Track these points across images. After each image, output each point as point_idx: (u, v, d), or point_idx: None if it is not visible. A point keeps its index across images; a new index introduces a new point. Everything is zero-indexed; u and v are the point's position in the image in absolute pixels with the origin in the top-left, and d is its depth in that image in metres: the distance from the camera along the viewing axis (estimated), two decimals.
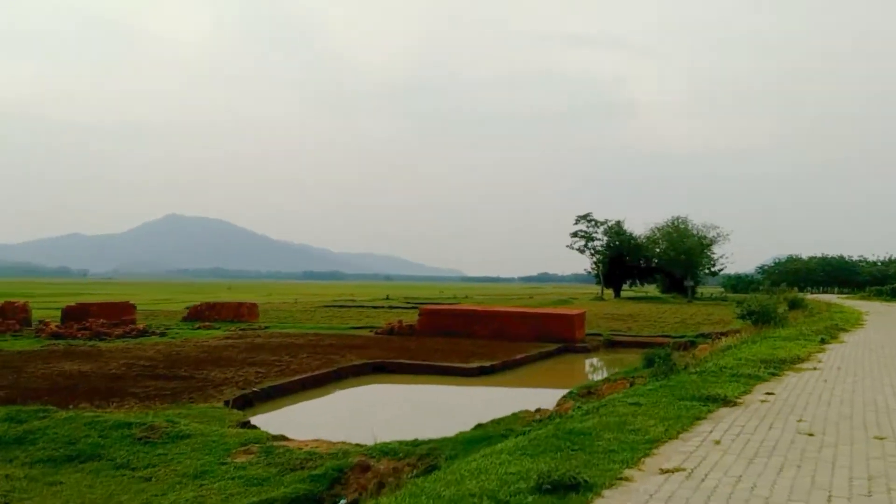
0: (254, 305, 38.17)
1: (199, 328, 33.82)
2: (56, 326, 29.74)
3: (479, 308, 32.17)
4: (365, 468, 9.95)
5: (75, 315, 33.76)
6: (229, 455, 10.74)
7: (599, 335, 32.61)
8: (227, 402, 15.63)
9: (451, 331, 31.04)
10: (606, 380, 18.15)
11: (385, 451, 10.53)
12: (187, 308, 39.80)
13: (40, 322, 31.76)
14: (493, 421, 13.16)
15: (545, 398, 16.45)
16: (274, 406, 16.84)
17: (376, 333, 32.02)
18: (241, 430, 12.15)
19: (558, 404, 14.76)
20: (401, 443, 11.03)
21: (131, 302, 36.60)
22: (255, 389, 17.17)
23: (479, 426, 12.96)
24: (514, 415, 13.87)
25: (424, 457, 10.21)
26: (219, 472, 10.05)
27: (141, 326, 31.06)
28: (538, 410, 14.37)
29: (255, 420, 14.85)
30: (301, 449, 11.07)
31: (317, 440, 12.70)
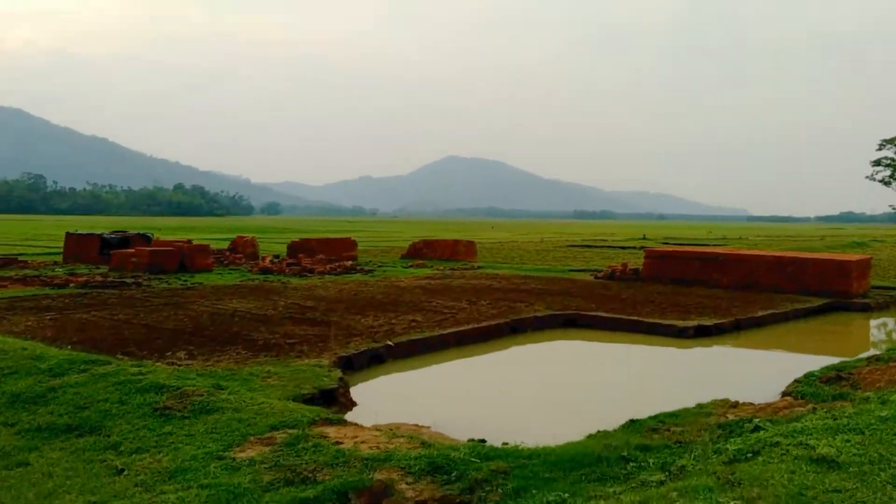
0: (471, 244, 35.62)
1: (409, 266, 32.04)
2: (270, 262, 29.49)
3: (719, 251, 26.39)
4: (377, 496, 6.37)
5: (298, 250, 33.69)
6: (239, 445, 7.76)
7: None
8: (342, 358, 12.87)
9: (682, 278, 25.79)
10: (876, 358, 12.55)
11: (428, 464, 6.87)
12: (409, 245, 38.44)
13: (262, 258, 31.95)
14: (650, 421, 8.82)
15: (771, 383, 11.57)
16: (406, 366, 13.76)
17: (595, 278, 27.77)
18: (290, 406, 9.13)
19: (783, 399, 9.86)
20: (470, 448, 7.31)
21: (352, 238, 35.92)
22: (388, 343, 14.21)
23: (625, 428, 8.71)
24: (690, 410, 9.34)
25: (469, 490, 6.38)
26: (200, 474, 7.09)
27: (349, 264, 29.83)
28: (735, 406, 9.66)
29: (359, 388, 11.89)
30: (340, 445, 7.78)
31: (388, 428, 9.33)
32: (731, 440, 6.38)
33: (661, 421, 9.20)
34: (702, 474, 5.44)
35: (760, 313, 19.62)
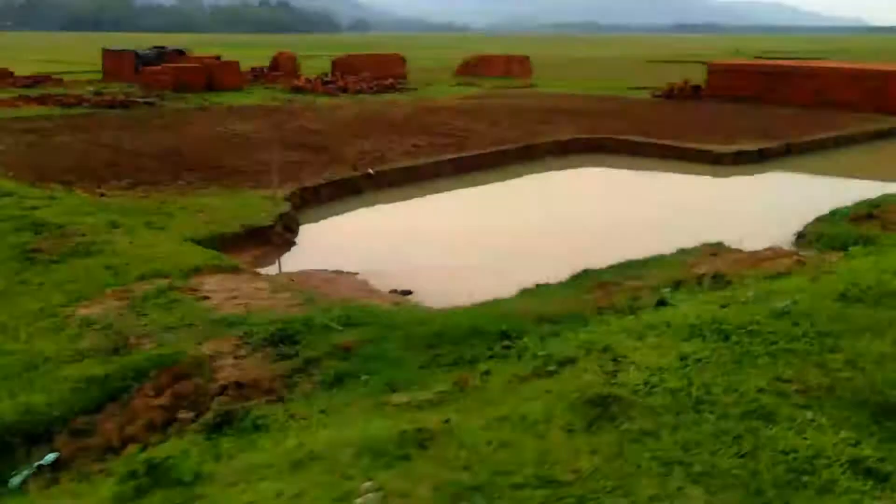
0: (525, 60, 32.59)
1: (458, 85, 29.76)
2: (305, 80, 27.82)
3: (787, 63, 22.88)
4: (180, 376, 5.11)
5: (342, 68, 31.76)
6: (88, 299, 6.62)
7: None
8: (305, 189, 11.50)
9: (747, 95, 22.69)
10: None
11: (277, 331, 5.56)
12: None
13: (299, 76, 30.26)
14: (608, 273, 7.21)
15: (794, 219, 9.70)
16: (381, 198, 12.29)
17: (654, 96, 24.91)
18: (183, 249, 7.88)
19: (768, 249, 7.95)
20: (343, 311, 5.94)
21: (401, 56, 33.45)
22: (368, 172, 12.68)
23: (567, 283, 7.13)
24: (665, 258, 7.64)
25: (301, 369, 5.04)
26: (14, 335, 6.01)
27: (388, 82, 27.81)
28: (715, 255, 7.85)
29: (311, 227, 10.55)
30: (205, 301, 6.52)
31: (288, 277, 8.02)
32: (552, 341, 4.74)
33: (622, 271, 7.56)
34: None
35: (820, 136, 16.90)
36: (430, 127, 17.49)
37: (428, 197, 12.68)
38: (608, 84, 29.37)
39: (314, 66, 36.04)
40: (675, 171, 14.76)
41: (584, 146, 16.35)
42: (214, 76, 25.94)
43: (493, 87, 28.66)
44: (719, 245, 8.31)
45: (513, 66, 32.29)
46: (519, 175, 14.43)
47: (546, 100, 23.75)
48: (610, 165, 15.66)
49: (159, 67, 26.33)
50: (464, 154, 14.33)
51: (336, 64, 32.07)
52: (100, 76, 30.77)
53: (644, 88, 27.34)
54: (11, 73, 27.75)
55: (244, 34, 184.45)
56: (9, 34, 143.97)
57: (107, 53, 31.11)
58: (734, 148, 15.23)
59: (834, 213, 9.50)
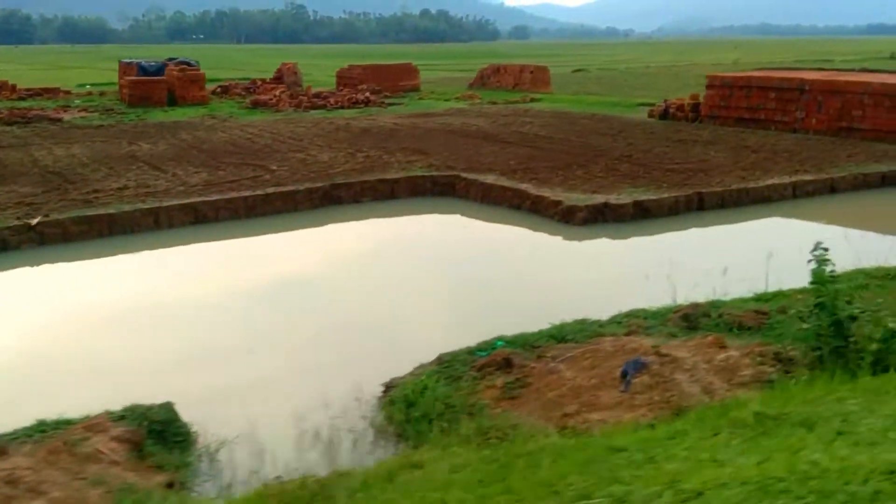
0: (541, 71, 28.06)
1: (455, 98, 26.10)
2: (272, 94, 25.28)
3: (808, 76, 17.16)
4: None
5: (345, 80, 29.04)
6: None
7: None
8: None
9: (753, 117, 17.41)
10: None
11: None
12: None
13: (293, 90, 27.82)
14: None
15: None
16: (40, 258, 9.28)
17: (649, 116, 20.07)
18: None
19: None
20: None
21: (413, 65, 30.12)
22: (29, 222, 9.69)
23: None
24: None
25: None
26: None
27: (365, 96, 24.66)
28: None
29: None
30: None
31: None
32: None
33: None
34: None
35: (770, 181, 11.92)
36: (279, 154, 14.27)
37: (125, 256, 9.54)
38: (625, 99, 24.47)
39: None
40: (520, 226, 10.76)
41: (431, 186, 12.49)
42: (177, 91, 24.05)
43: (486, 101, 24.77)
44: None
45: (524, 78, 28.01)
46: (305, 225, 10.96)
47: (505, 120, 19.67)
48: (442, 212, 11.82)
49: (126, 81, 24.86)
50: (217, 197, 10.98)
51: (340, 75, 29.37)
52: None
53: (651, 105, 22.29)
54: (13, 87, 27.46)
55: (403, 44, 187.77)
56: (197, 46, 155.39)
57: (121, 65, 30.29)
58: (598, 200, 10.77)
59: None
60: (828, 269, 4.55)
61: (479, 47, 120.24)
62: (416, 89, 29.02)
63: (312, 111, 22.33)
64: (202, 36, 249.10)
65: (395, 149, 14.77)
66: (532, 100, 24.87)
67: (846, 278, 7.20)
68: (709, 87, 18.50)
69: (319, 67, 46.09)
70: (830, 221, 11.00)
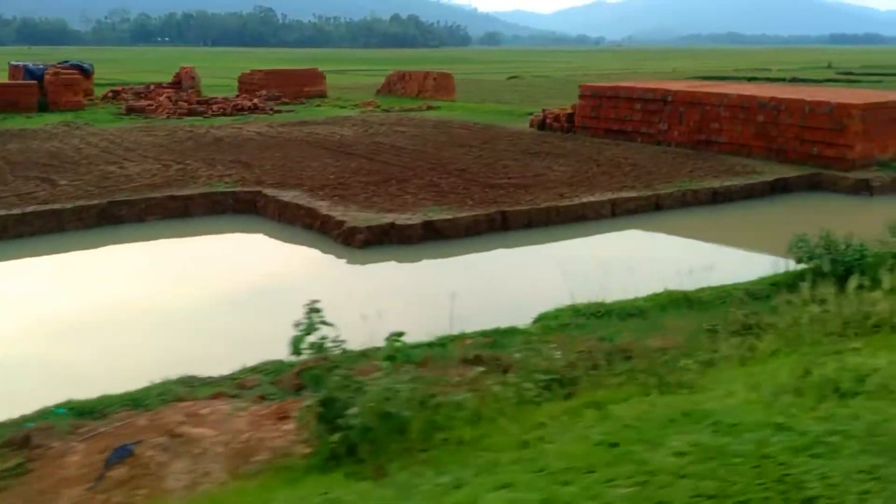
0: (444, 78, 27.15)
1: (356, 105, 25.11)
2: (146, 99, 24.12)
3: (672, 87, 16.41)
4: None
5: (253, 84, 27.93)
6: None
7: None
8: None
9: (622, 129, 16.66)
10: None
11: None
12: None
13: (188, 95, 26.64)
14: None
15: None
16: None
17: (530, 126, 19.24)
18: None
19: None
20: None
21: (320, 70, 29.09)
22: None
23: None
24: None
25: None
26: None
27: (251, 103, 23.60)
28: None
29: None
30: None
31: None
32: None
33: None
34: None
35: (571, 202, 11.05)
36: (77, 167, 13.13)
37: None
38: (519, 108, 23.59)
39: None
40: (291, 250, 9.82)
41: (235, 203, 11.47)
42: (50, 96, 22.82)
43: (382, 108, 23.84)
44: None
45: (427, 85, 27.10)
46: (70, 248, 9.88)
47: (378, 129, 18.72)
48: (240, 231, 10.85)
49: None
50: (5, 212, 9.89)
51: (241, 80, 28.28)
52: None
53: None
54: None
55: (373, 49, 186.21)
56: (160, 49, 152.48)
57: (10, 68, 28.94)
58: (386, 220, 9.84)
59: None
60: (313, 334, 3.60)
61: (436, 53, 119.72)
62: (322, 95, 28.02)
63: (187, 118, 21.21)
64: (167, 38, 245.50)
65: (223, 161, 13.73)
66: (429, 108, 23.97)
67: (552, 317, 6.36)
68: (581, 97, 17.70)
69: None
70: (630, 243, 10.20)
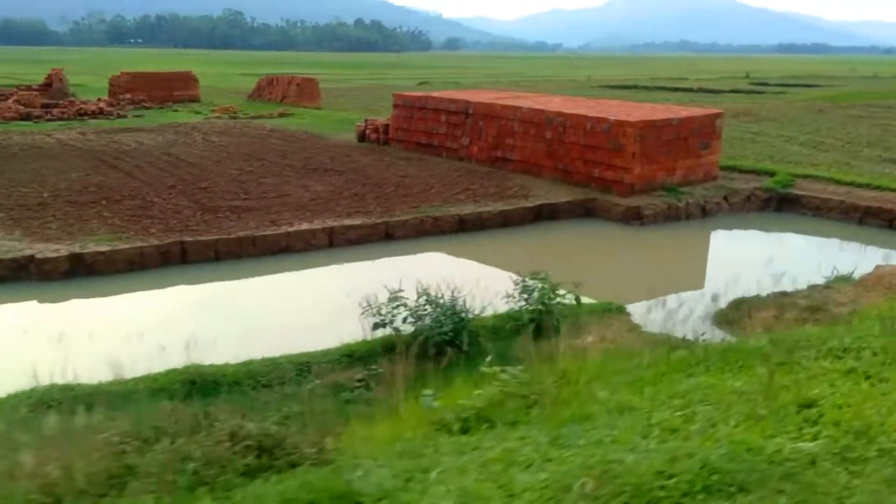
0: (308, 83, 25.36)
1: (188, 111, 23.23)
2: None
3: (475, 99, 14.83)
4: None
5: (124, 87, 25.90)
6: None
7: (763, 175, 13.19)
8: None
9: (430, 142, 15.07)
10: None
11: None
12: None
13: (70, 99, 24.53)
14: None
15: None
16: None
17: (357, 139, 17.53)
18: None
19: None
20: None
21: (193, 73, 27.15)
22: None
23: None
24: None
25: None
26: None
27: (97, 107, 21.62)
28: None
29: None
30: None
31: None
32: None
33: None
34: None
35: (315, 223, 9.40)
36: None
37: None
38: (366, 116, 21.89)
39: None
40: None
41: None
42: None
43: (234, 114, 22.01)
44: None
45: (290, 91, 25.30)
46: None
47: (188, 137, 16.91)
48: None
49: None
50: None
51: (113, 83, 26.24)
52: None
53: None
54: None
55: (337, 53, 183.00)
56: (129, 50, 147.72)
57: None
58: (26, 252, 8.11)
59: None
60: None
61: (389, 58, 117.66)
62: (194, 99, 26.11)
63: (19, 122, 19.26)
64: (140, 40, 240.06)
65: None
66: (281, 115, 22.19)
67: None
68: (394, 106, 16.05)
69: (223, 76, 42.02)
70: (260, 288, 8.53)
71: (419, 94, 16.48)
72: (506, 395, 3.23)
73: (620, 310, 6.90)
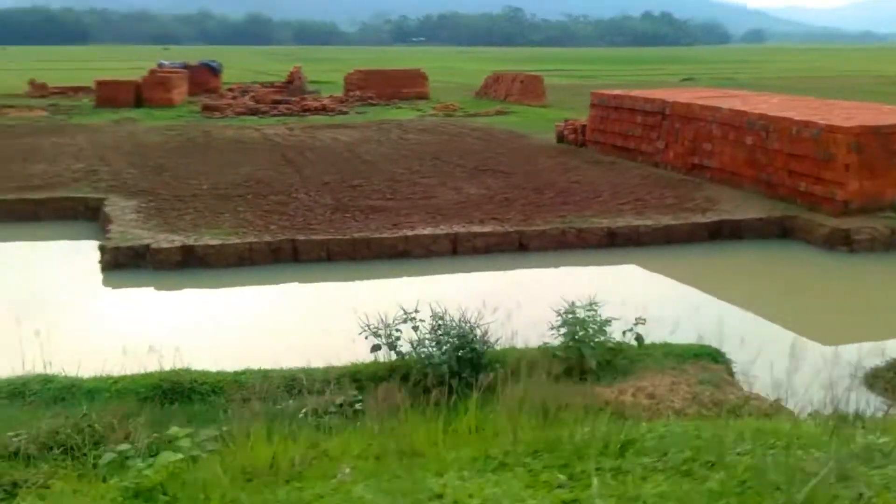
0: (533, 80, 24.48)
1: (432, 108, 24.24)
2: (221, 99, 24.94)
3: (672, 96, 13.05)
4: None
5: (355, 85, 28.17)
6: None
7: None
8: None
9: (625, 145, 14.04)
10: None
11: None
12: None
13: (303, 96, 27.46)
14: None
15: None
16: None
17: (556, 140, 17.04)
18: None
19: None
20: None
21: (422, 71, 28.24)
22: None
23: None
24: None
25: None
26: None
27: (321, 103, 23.62)
28: None
29: None
30: None
31: None
32: None
33: None
34: None
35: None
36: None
37: None
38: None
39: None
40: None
41: (86, 210, 11.27)
42: (144, 92, 24.69)
43: (454, 113, 22.67)
44: None
45: (514, 88, 25.04)
46: None
47: (391, 133, 17.72)
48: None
49: (95, 83, 25.92)
50: None
51: (347, 80, 28.52)
52: None
53: None
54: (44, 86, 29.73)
55: (618, 48, 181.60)
56: (410, 48, 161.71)
57: (158, 65, 31.86)
58: (145, 241, 9.02)
59: None
60: None
61: (672, 52, 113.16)
62: (423, 97, 27.46)
63: (245, 117, 21.77)
64: (423, 39, 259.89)
65: (140, 164, 13.64)
66: (499, 112, 22.36)
67: None
68: (591, 106, 15.23)
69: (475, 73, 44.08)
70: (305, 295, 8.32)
71: (615, 92, 15.46)
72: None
73: (715, 355, 5.73)
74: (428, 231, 9.39)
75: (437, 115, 22.23)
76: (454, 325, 5.26)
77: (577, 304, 5.41)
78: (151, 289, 8.60)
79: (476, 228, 9.53)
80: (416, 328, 5.36)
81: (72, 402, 4.95)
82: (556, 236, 9.51)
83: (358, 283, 8.75)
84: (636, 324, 5.44)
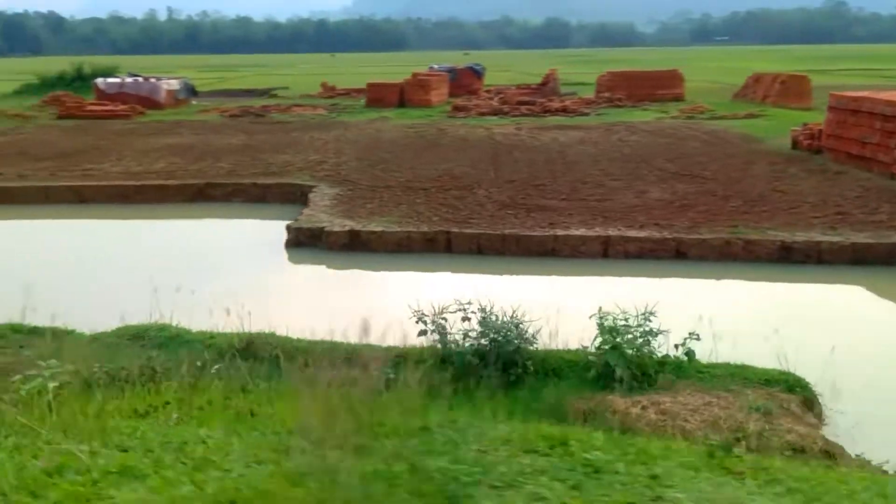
0: (796, 80, 21.56)
1: (654, 110, 23.26)
2: (475, 102, 25.92)
3: None
4: None
5: (604, 86, 27.98)
6: None
7: None
8: None
9: (862, 154, 12.38)
10: None
11: None
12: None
13: (550, 98, 28.04)
14: None
15: None
16: None
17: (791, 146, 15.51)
18: None
19: None
20: None
21: (679, 72, 26.72)
22: None
23: None
24: None
25: None
26: None
27: (562, 105, 23.73)
28: None
29: None
30: None
31: None
32: None
33: None
34: None
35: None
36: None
37: None
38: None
39: None
40: None
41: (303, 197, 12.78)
42: (407, 94, 26.79)
43: (698, 115, 21.55)
44: None
45: (772, 90, 22.54)
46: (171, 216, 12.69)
47: (621, 136, 17.44)
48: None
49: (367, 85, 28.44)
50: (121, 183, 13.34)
51: (599, 82, 28.26)
52: None
53: None
54: (332, 88, 33.56)
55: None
56: (708, 48, 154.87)
57: (430, 69, 34.28)
58: (317, 224, 10.04)
59: None
60: None
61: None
62: (678, 98, 26.45)
63: (487, 117, 22.70)
64: (726, 37, 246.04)
65: (361, 157, 15.00)
66: (749, 115, 20.75)
67: None
68: (829, 108, 13.58)
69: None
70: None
71: (855, 93, 13.58)
72: None
73: (794, 385, 5.07)
74: (580, 232, 9.28)
75: (677, 118, 21.30)
76: (498, 322, 5.35)
77: (629, 313, 5.18)
78: (323, 266, 9.61)
79: (632, 233, 9.21)
80: (467, 318, 5.52)
81: (172, 348, 5.90)
82: (718, 246, 8.85)
83: (495, 277, 8.93)
84: (688, 339, 5.05)
